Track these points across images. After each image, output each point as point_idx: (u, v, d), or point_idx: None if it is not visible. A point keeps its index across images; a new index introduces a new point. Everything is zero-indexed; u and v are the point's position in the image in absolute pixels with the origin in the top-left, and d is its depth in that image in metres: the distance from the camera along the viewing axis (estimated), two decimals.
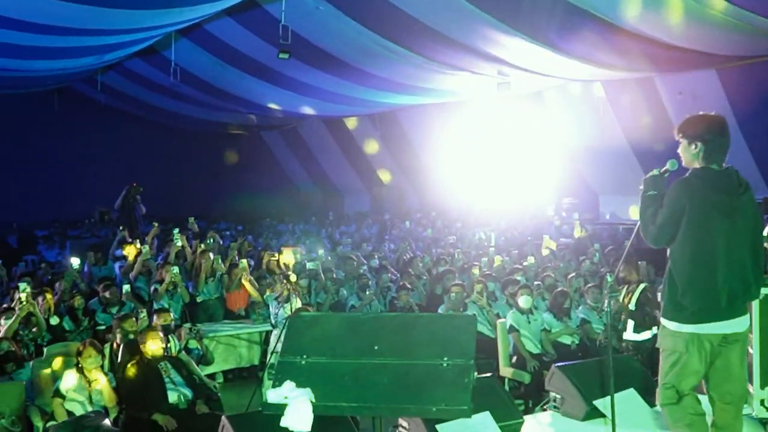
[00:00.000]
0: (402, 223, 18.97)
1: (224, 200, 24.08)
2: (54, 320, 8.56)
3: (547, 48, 11.87)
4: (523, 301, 8.45)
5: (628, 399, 5.42)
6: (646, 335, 7.58)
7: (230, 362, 9.74)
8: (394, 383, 3.41)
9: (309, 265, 10.80)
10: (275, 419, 3.38)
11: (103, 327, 8.78)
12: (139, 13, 10.43)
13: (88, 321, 8.93)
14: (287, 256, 11.24)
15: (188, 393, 6.53)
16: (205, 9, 11.00)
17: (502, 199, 19.20)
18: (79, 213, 21.61)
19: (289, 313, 8.15)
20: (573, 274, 10.40)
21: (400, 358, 3.48)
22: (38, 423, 6.52)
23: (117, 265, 11.73)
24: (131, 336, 7.13)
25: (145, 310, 8.33)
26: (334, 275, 11.21)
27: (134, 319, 7.53)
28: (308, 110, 20.11)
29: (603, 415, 5.24)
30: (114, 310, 9.01)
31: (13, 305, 8.16)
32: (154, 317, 7.91)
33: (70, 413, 6.20)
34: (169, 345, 7.11)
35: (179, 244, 11.07)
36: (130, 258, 11.24)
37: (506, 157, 18.89)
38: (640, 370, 5.87)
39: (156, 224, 12.96)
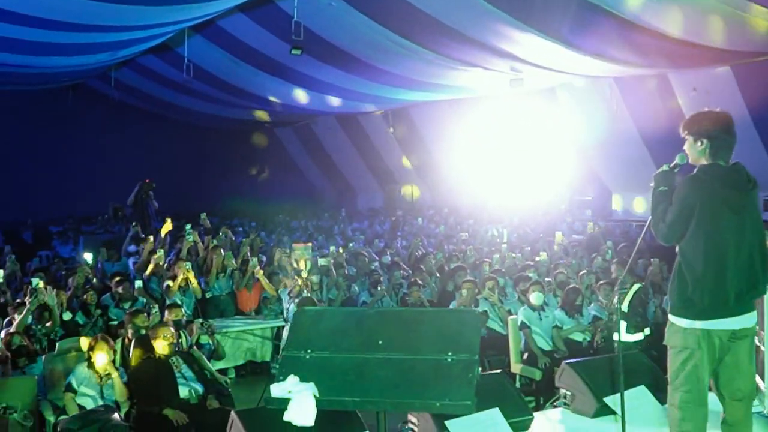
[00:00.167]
0: (414, 219, 18.97)
1: (237, 196, 24.12)
2: (66, 316, 8.59)
3: (560, 44, 11.82)
4: (535, 297, 8.43)
5: (639, 396, 5.39)
6: (638, 336, 7.50)
7: (242, 358, 9.78)
8: (398, 378, 3.40)
9: (320, 262, 10.81)
10: (284, 414, 3.37)
11: (115, 322, 8.82)
12: (152, 9, 10.47)
13: (101, 316, 8.98)
14: (298, 253, 11.25)
15: (199, 388, 6.55)
16: (218, 5, 11.02)
17: (515, 196, 19.15)
18: (93, 209, 21.71)
19: None
20: (584, 271, 10.37)
21: (404, 353, 3.47)
22: (50, 417, 6.56)
23: (131, 261, 11.78)
24: (143, 331, 7.15)
25: (157, 306, 8.36)
26: (346, 271, 11.22)
27: (146, 314, 7.56)
28: (321, 106, 20.10)
29: (613, 412, 5.22)
30: (127, 305, 9.02)
31: (25, 300, 8.20)
32: (166, 313, 7.94)
33: (81, 408, 6.23)
34: (180, 340, 7.13)
35: (192, 240, 11.09)
36: (145, 253, 11.28)
37: (519, 153, 18.83)
38: (651, 367, 5.83)
39: (169, 220, 13.00)
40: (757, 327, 4.77)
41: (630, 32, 10.91)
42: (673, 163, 4.28)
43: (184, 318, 8.22)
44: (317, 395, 3.33)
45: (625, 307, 7.69)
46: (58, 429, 5.55)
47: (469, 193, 20.45)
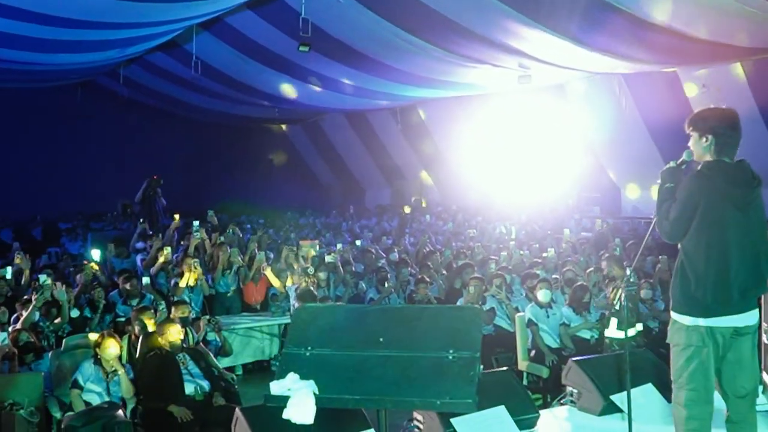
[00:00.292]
0: (422, 216, 18.94)
1: (246, 193, 24.14)
2: (74, 312, 8.61)
3: (568, 40, 11.77)
4: (542, 295, 8.40)
5: (646, 394, 5.37)
6: (630, 333, 7.47)
7: (249, 355, 9.78)
8: (399, 376, 3.37)
9: (327, 259, 10.81)
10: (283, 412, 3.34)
11: (123, 319, 8.82)
12: (160, 6, 10.48)
13: (108, 313, 8.99)
14: (305, 250, 11.26)
15: (205, 385, 6.55)
16: (226, 2, 11.04)
17: (523, 193, 19.10)
18: (102, 206, 21.80)
19: None
20: (592, 268, 10.33)
21: (405, 351, 3.44)
22: (56, 414, 6.57)
23: (138, 258, 11.79)
24: (149, 328, 7.15)
25: (164, 303, 8.36)
26: (354, 268, 11.21)
27: (152, 311, 7.56)
28: (328, 104, 20.10)
29: (620, 410, 5.19)
30: (134, 302, 9.02)
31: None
32: (173, 309, 7.94)
33: (87, 404, 6.24)
34: (187, 337, 7.13)
35: (199, 237, 11.09)
36: (153, 250, 11.28)
37: (527, 150, 18.78)
38: (658, 365, 5.79)
39: (177, 217, 13.01)
40: (765, 323, 4.74)
41: (639, 29, 10.85)
42: (680, 160, 4.25)
43: (191, 315, 8.21)
44: (317, 393, 3.31)
45: (617, 304, 7.66)
46: (62, 426, 5.55)
47: (477, 189, 20.40)
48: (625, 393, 4.70)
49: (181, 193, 18.35)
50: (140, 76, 18.66)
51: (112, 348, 6.46)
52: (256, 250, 11.07)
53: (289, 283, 10.10)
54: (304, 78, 16.81)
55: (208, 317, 8.33)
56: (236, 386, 7.22)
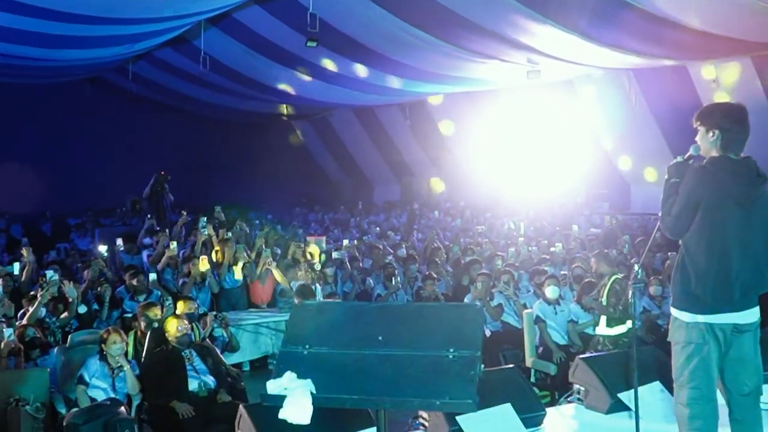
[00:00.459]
0: (431, 212, 18.90)
1: (254, 189, 24.12)
2: (81, 308, 8.61)
3: (577, 36, 11.71)
4: (550, 291, 8.35)
5: (653, 392, 5.32)
6: (620, 329, 7.41)
7: (257, 351, 9.75)
8: (398, 375, 3.32)
9: (335, 255, 10.79)
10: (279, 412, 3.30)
11: (130, 314, 8.82)
12: (169, 2, 10.48)
13: (116, 308, 8.99)
14: (312, 246, 11.24)
15: (210, 381, 6.52)
16: None
17: (532, 189, 19.03)
18: (112, 201, 21.79)
19: None
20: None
21: (404, 349, 3.39)
22: (62, 410, 6.55)
23: (145, 253, 11.80)
24: (155, 324, 7.15)
25: (170, 298, 8.35)
26: (361, 264, 11.18)
27: (158, 307, 7.55)
28: (337, 99, 20.07)
29: (627, 408, 5.16)
30: (141, 298, 9.03)
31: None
32: (179, 305, 7.92)
33: (93, 400, 6.23)
34: (193, 333, 7.11)
35: (207, 233, 11.08)
36: (159, 246, 11.29)
37: (536, 146, 18.70)
38: (666, 363, 5.73)
39: (184, 213, 13.01)
40: None
41: (649, 23, 10.78)
42: (687, 155, 4.19)
43: (197, 310, 8.20)
44: (314, 392, 3.26)
45: (604, 300, 7.58)
46: (64, 423, 5.53)
47: (485, 185, 20.34)
48: (632, 391, 4.66)
49: (188, 189, 18.34)
50: (149, 72, 18.68)
51: (117, 344, 6.45)
52: (263, 246, 11.05)
53: (296, 278, 10.08)
54: (312, 74, 16.79)
55: (215, 313, 8.33)
56: (243, 382, 7.19)
